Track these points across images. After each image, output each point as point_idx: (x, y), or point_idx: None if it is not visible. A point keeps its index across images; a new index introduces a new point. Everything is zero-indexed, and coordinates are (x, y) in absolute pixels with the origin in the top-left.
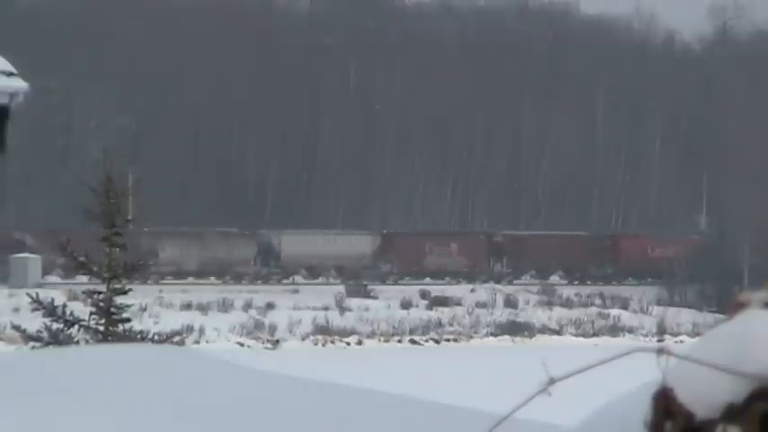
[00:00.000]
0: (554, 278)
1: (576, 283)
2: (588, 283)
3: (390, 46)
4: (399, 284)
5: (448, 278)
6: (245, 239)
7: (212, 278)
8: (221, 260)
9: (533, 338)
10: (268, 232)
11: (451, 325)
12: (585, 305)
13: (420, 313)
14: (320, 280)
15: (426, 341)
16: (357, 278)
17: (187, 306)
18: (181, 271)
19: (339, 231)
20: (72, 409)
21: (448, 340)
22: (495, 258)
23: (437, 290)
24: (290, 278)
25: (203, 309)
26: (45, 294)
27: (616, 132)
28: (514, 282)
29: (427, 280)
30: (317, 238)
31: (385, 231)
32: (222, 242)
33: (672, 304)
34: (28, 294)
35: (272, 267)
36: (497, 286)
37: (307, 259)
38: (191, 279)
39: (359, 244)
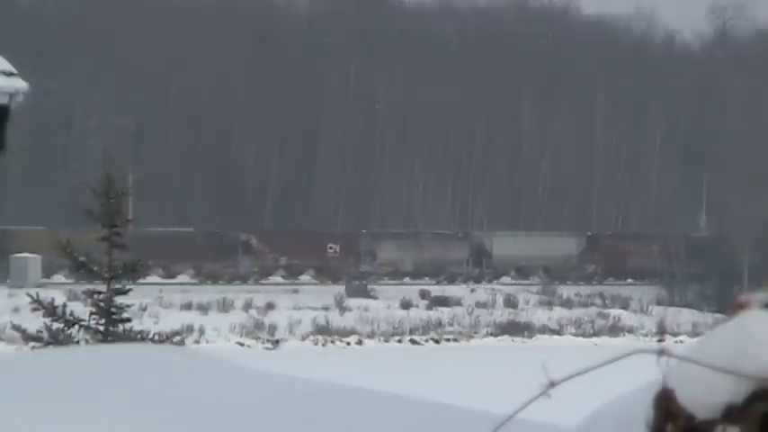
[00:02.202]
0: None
1: None
2: None
3: (390, 46)
4: (400, 284)
5: (647, 279)
6: (459, 241)
7: (426, 278)
8: (436, 261)
9: (533, 338)
10: (481, 234)
11: (451, 325)
12: (585, 305)
13: (420, 313)
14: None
15: (426, 341)
16: (563, 278)
17: (187, 306)
18: (398, 271)
19: (547, 233)
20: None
21: (448, 340)
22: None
23: (437, 290)
24: (498, 278)
25: (203, 309)
26: (45, 294)
27: (616, 132)
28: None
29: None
30: (527, 240)
31: (590, 233)
32: (437, 243)
33: (672, 304)
34: (28, 294)
35: (484, 268)
36: (496, 286)
37: (516, 260)
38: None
39: (565, 245)
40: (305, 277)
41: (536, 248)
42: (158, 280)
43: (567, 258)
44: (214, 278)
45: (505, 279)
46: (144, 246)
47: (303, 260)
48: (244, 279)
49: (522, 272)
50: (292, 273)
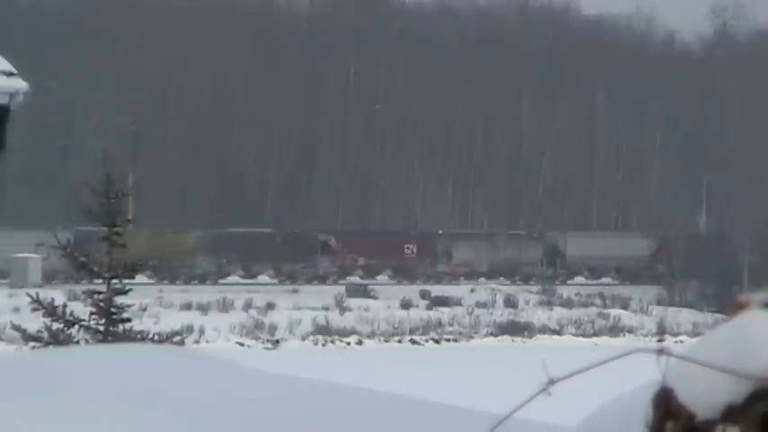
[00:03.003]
0: None
1: None
2: None
3: (390, 46)
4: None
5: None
6: (533, 241)
7: (501, 278)
8: (511, 261)
9: (533, 338)
10: (554, 234)
11: (451, 325)
12: (585, 305)
13: (420, 313)
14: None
15: (426, 341)
16: (635, 279)
17: (187, 306)
18: (473, 272)
19: (619, 233)
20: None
21: (448, 340)
22: None
23: (437, 290)
24: (572, 278)
25: (203, 309)
26: (45, 294)
27: (616, 132)
28: None
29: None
30: (600, 240)
31: (661, 234)
32: (511, 244)
33: (672, 304)
34: (28, 294)
35: (558, 268)
36: (495, 286)
37: (590, 260)
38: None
39: (637, 246)
40: (382, 277)
41: (609, 249)
42: (239, 280)
43: (639, 259)
44: (293, 278)
45: (579, 279)
46: (226, 246)
47: (380, 260)
48: (322, 279)
49: (594, 272)
50: (370, 273)
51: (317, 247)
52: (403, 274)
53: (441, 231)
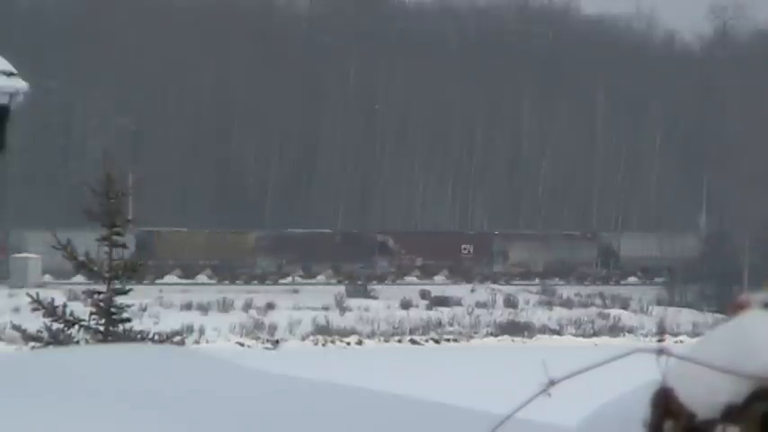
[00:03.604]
0: None
1: None
2: None
3: (390, 46)
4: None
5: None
6: (588, 242)
7: (556, 279)
8: (565, 262)
9: (533, 338)
10: (608, 235)
11: (451, 325)
12: (585, 305)
13: (420, 313)
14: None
15: (426, 341)
16: (687, 279)
17: (187, 306)
18: (528, 272)
19: (672, 233)
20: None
21: (448, 340)
22: None
23: (437, 290)
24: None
25: (203, 309)
26: (45, 294)
27: (616, 132)
28: None
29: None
30: (653, 240)
31: (709, 234)
32: (566, 244)
33: (672, 304)
34: (28, 294)
35: (612, 268)
36: (495, 286)
37: (644, 261)
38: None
39: (690, 246)
40: (439, 278)
41: (663, 249)
42: (298, 280)
43: (691, 260)
44: (351, 278)
45: (632, 279)
46: (285, 246)
47: (438, 260)
48: (380, 279)
49: (647, 272)
50: (427, 273)
51: (375, 247)
52: (459, 274)
53: (497, 232)
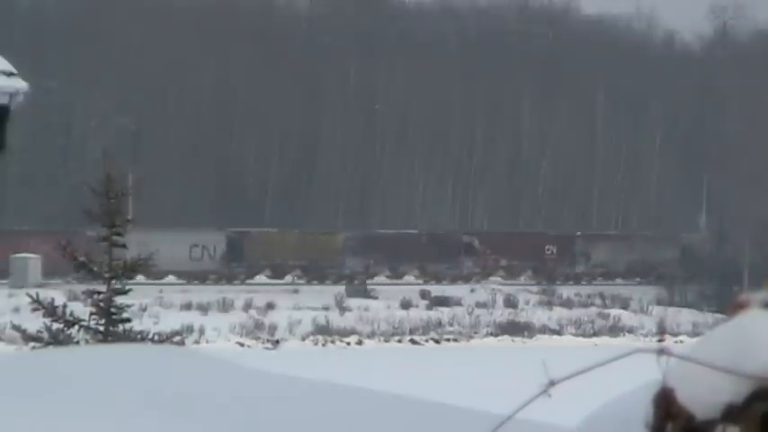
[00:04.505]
0: None
1: None
2: None
3: (390, 46)
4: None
5: None
6: (668, 242)
7: (637, 279)
8: (647, 262)
9: (533, 338)
10: (689, 235)
11: (451, 325)
12: (585, 305)
13: (420, 313)
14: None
15: (426, 341)
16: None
17: (187, 306)
18: (610, 272)
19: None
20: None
21: (448, 340)
22: None
23: (437, 290)
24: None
25: (203, 309)
26: (45, 294)
27: (616, 132)
28: None
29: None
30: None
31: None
32: (648, 245)
33: (672, 304)
34: (28, 294)
35: (692, 269)
36: (496, 286)
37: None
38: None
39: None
40: (524, 278)
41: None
42: (384, 280)
43: None
44: (437, 278)
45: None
46: (373, 247)
47: (522, 261)
48: (466, 279)
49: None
50: (511, 274)
51: (461, 248)
52: (543, 274)
53: (579, 233)
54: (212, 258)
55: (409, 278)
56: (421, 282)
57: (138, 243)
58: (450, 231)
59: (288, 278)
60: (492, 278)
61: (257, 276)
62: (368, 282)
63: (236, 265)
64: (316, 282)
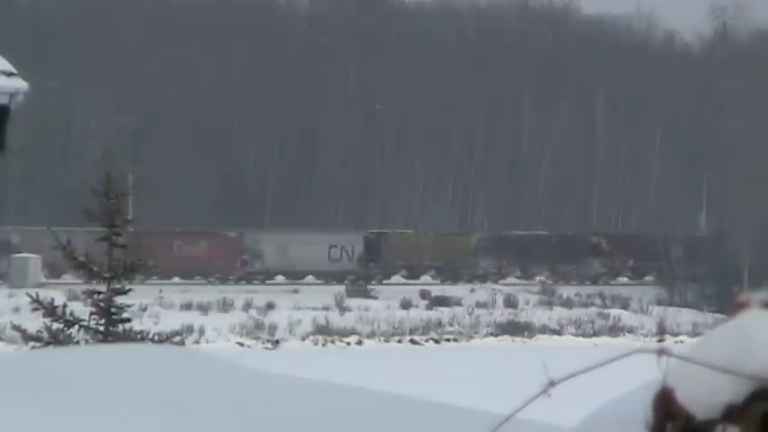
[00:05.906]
0: None
1: None
2: None
3: (390, 46)
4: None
5: None
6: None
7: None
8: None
9: (533, 338)
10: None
11: (451, 325)
12: (585, 305)
13: (420, 313)
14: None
15: (426, 341)
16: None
17: (187, 306)
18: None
19: None
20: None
21: (448, 340)
22: None
23: (437, 290)
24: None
25: (203, 309)
26: (45, 294)
27: (616, 132)
28: None
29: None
30: None
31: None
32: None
33: (672, 304)
34: (28, 294)
35: None
36: (496, 286)
37: None
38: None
39: None
40: (648, 278)
41: None
42: (515, 281)
43: None
44: (566, 279)
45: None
46: (505, 247)
47: (647, 262)
48: (594, 280)
49: None
50: (637, 274)
51: (589, 248)
52: (667, 275)
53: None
54: (350, 259)
55: (541, 278)
56: (551, 282)
57: (274, 243)
58: (578, 232)
59: (423, 278)
60: (619, 278)
61: (393, 277)
62: (500, 281)
63: (373, 265)
64: (449, 282)
